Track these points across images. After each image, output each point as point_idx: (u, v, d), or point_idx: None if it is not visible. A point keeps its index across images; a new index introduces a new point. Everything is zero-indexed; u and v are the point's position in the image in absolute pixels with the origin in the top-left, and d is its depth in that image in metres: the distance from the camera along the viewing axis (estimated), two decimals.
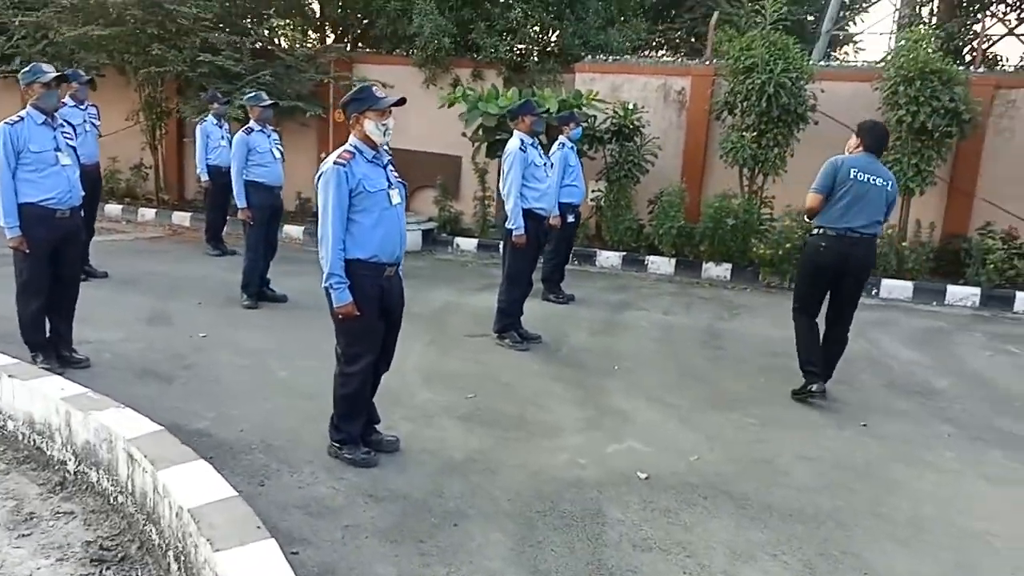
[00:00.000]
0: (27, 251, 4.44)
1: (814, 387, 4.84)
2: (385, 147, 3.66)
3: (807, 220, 5.14)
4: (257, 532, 2.42)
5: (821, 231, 4.82)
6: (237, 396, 4.49)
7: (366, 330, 3.61)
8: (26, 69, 4.54)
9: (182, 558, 2.56)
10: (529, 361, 5.51)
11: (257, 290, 6.57)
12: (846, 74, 9.96)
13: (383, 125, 3.54)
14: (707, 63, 10.39)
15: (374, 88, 3.65)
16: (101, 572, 2.77)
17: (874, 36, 19.70)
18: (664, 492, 3.61)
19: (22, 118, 4.43)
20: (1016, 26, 12.33)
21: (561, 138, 7.10)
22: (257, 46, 11.45)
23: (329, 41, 12.36)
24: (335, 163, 3.46)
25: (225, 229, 9.20)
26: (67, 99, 7.00)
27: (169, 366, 4.92)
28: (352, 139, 3.59)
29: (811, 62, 9.53)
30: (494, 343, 5.83)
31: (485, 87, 10.72)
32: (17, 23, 10.50)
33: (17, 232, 4.40)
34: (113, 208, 11.30)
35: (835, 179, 4.70)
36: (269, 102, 6.53)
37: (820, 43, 13.39)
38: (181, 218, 11.08)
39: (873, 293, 8.57)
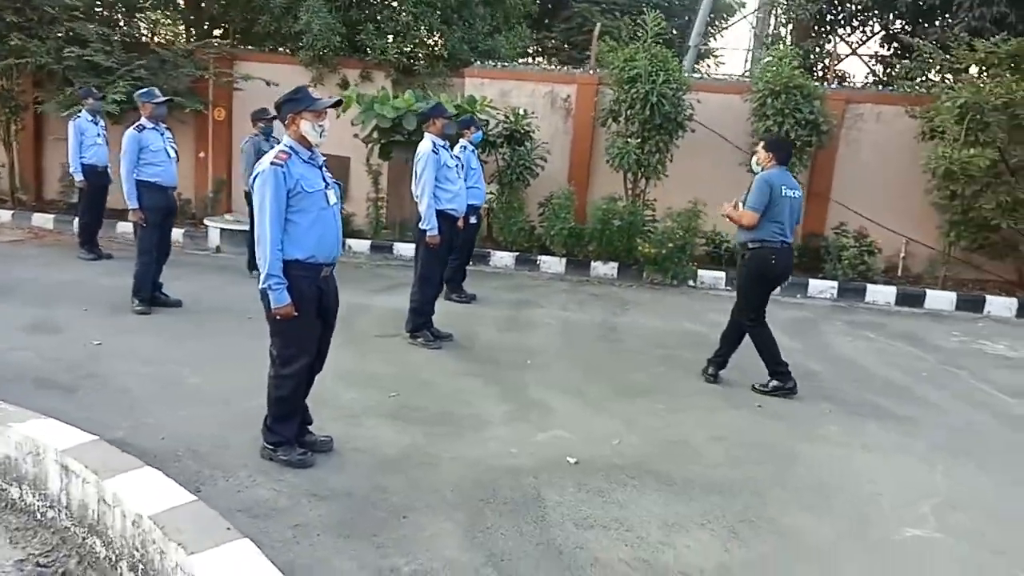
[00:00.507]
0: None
1: (790, 384, 5.23)
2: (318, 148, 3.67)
3: (741, 237, 5.34)
4: (228, 533, 2.40)
5: (764, 244, 5.15)
6: (149, 404, 4.31)
7: (303, 331, 3.60)
8: (143, 91, 4.24)
9: (140, 567, 2.49)
10: (444, 359, 5.60)
11: (150, 295, 6.28)
12: (718, 86, 10.70)
13: (319, 126, 3.55)
14: (591, 72, 10.85)
15: (310, 89, 3.65)
16: None
17: (732, 51, 21.22)
18: (594, 474, 3.83)
19: (143, 127, 4.15)
20: (859, 47, 13.66)
21: (463, 141, 7.22)
22: (130, 39, 10.83)
23: (211, 37, 11.87)
24: (272, 163, 3.44)
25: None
26: None
27: (68, 376, 4.64)
28: (287, 139, 3.57)
29: (685, 74, 10.17)
30: (407, 343, 5.88)
31: (373, 89, 10.70)
32: None
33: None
34: None
35: (771, 197, 5.07)
36: (163, 99, 6.23)
37: (689, 56, 14.23)
38: (43, 220, 10.32)
39: (689, 284, 9.25)
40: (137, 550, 2.50)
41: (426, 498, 3.47)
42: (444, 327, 6.12)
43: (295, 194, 3.46)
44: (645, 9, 17.98)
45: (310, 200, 3.50)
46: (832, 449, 4.41)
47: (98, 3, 10.89)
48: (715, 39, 19.65)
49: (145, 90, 6.22)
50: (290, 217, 3.47)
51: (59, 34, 9.85)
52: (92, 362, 4.94)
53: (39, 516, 2.98)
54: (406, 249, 9.91)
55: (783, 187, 5.12)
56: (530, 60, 17.72)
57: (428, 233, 5.66)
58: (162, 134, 6.23)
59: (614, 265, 9.46)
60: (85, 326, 5.74)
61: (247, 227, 9.10)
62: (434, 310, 6.02)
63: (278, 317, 3.51)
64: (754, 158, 5.40)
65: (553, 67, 13.14)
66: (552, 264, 9.61)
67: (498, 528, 3.26)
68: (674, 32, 19.82)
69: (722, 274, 9.32)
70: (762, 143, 5.42)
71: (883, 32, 12.87)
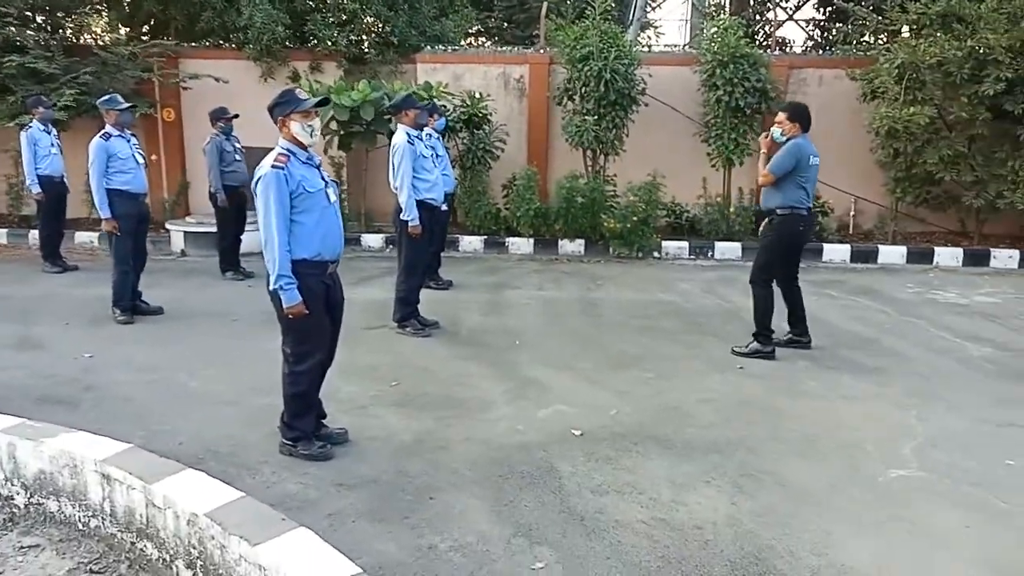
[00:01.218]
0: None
1: (769, 348, 5.52)
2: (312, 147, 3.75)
3: (770, 203, 5.46)
4: (284, 524, 2.53)
5: (793, 211, 5.33)
6: (157, 412, 4.36)
7: (315, 328, 3.70)
8: (105, 98, 4.18)
9: (199, 563, 2.60)
10: (435, 346, 5.74)
11: (131, 304, 6.24)
12: (666, 59, 10.94)
13: (309, 126, 3.63)
14: (542, 51, 10.98)
15: (297, 91, 3.72)
16: None
17: (669, 22, 21.55)
18: (600, 444, 4.04)
19: (110, 135, 4.05)
20: (794, 12, 14.06)
21: (427, 129, 7.29)
22: (70, 43, 10.55)
23: (148, 36, 11.60)
24: (273, 166, 3.51)
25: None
26: None
27: (68, 390, 4.64)
28: (281, 142, 3.64)
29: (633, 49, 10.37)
30: (395, 333, 6.00)
31: (325, 80, 10.65)
32: None
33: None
34: None
35: (797, 164, 5.19)
36: (126, 105, 6.16)
37: (632, 29, 14.46)
38: None
39: (708, 255, 9.59)
40: (194, 548, 2.60)
41: (448, 478, 3.63)
42: (427, 314, 6.24)
43: (298, 195, 3.54)
44: None
45: (312, 200, 3.59)
46: (814, 402, 4.70)
47: (30, 6, 10.53)
48: (653, 10, 19.89)
49: (107, 97, 6.14)
50: (294, 218, 3.56)
51: None
52: (88, 375, 4.95)
53: (81, 526, 3.05)
54: (373, 240, 9.99)
55: (810, 155, 5.26)
56: (474, 41, 17.75)
57: (410, 223, 5.76)
58: (128, 141, 6.16)
59: (581, 242, 9.68)
60: (71, 340, 5.70)
61: (212, 229, 9.07)
62: (419, 299, 6.13)
63: (290, 316, 3.60)
64: (777, 129, 5.37)
65: (500, 48, 13.19)
66: (520, 245, 9.79)
67: (520, 501, 3.44)
68: (612, 5, 20.18)
69: (685, 244, 9.63)
70: (784, 113, 5.39)
71: None
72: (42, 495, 3.13)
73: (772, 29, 12.85)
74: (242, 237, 8.12)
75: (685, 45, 16.73)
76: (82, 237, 10.01)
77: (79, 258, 8.92)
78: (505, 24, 18.10)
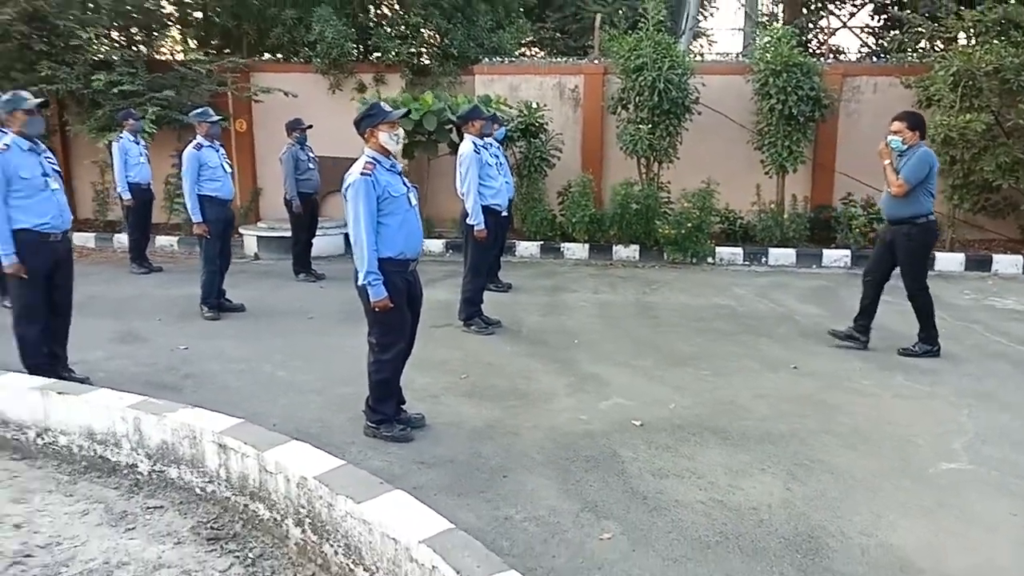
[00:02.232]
0: (24, 276, 4.51)
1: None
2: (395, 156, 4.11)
3: (904, 212, 5.55)
4: (383, 487, 2.86)
5: (927, 218, 5.50)
6: (251, 397, 4.77)
7: (398, 320, 4.06)
8: (5, 98, 4.58)
9: (307, 520, 2.95)
10: (499, 343, 6.06)
11: (217, 302, 6.72)
12: (719, 68, 11.13)
13: (395, 135, 3.99)
14: (596, 62, 11.27)
15: (382, 103, 4.09)
16: (221, 547, 3.10)
17: (720, 31, 21.65)
18: (659, 433, 4.30)
19: (8, 146, 4.49)
20: (849, 19, 14.08)
21: (488, 139, 7.64)
22: (152, 59, 11.24)
23: (224, 51, 12.26)
24: (362, 174, 3.87)
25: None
26: None
27: (170, 377, 5.10)
28: (368, 151, 4.00)
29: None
30: (460, 331, 6.34)
31: (388, 91, 11.13)
32: None
33: (13, 259, 4.47)
34: None
35: (930, 172, 5.40)
36: (217, 118, 6.67)
37: (685, 39, 14.64)
38: (84, 239, 10.73)
39: (762, 261, 9.72)
40: (303, 507, 2.96)
41: (518, 460, 3.94)
42: (490, 314, 6.57)
43: (384, 199, 3.90)
44: None
45: (396, 204, 3.94)
46: (866, 399, 4.88)
47: (115, 25, 11.24)
48: (705, 19, 20.00)
49: (200, 110, 6.65)
50: (381, 220, 3.91)
51: (86, 59, 10.23)
52: (186, 364, 5.41)
53: (198, 491, 3.44)
54: (434, 245, 10.38)
55: (936, 164, 5.46)
56: (527, 52, 18.12)
57: (476, 228, 6.10)
58: (217, 151, 6.67)
59: (635, 248, 9.91)
60: (166, 334, 6.20)
61: (283, 233, 9.60)
62: (483, 299, 6.47)
63: (376, 309, 3.95)
64: (896, 138, 5.47)
65: (554, 58, 13.52)
66: (575, 250, 10.07)
67: (586, 481, 3.73)
68: (665, 14, 20.35)
69: (739, 250, 9.78)
70: (903, 122, 5.46)
71: (871, 4, 13.27)
72: (164, 463, 3.54)
73: (826, 37, 12.90)
74: (313, 241, 8.59)
75: (739, 54, 16.82)
76: (162, 241, 10.65)
77: (161, 260, 9.51)
78: (558, 34, 18.43)
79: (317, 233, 8.50)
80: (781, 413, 4.63)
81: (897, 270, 5.76)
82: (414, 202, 4.08)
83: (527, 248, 10.17)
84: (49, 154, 4.74)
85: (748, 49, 16.73)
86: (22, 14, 9.51)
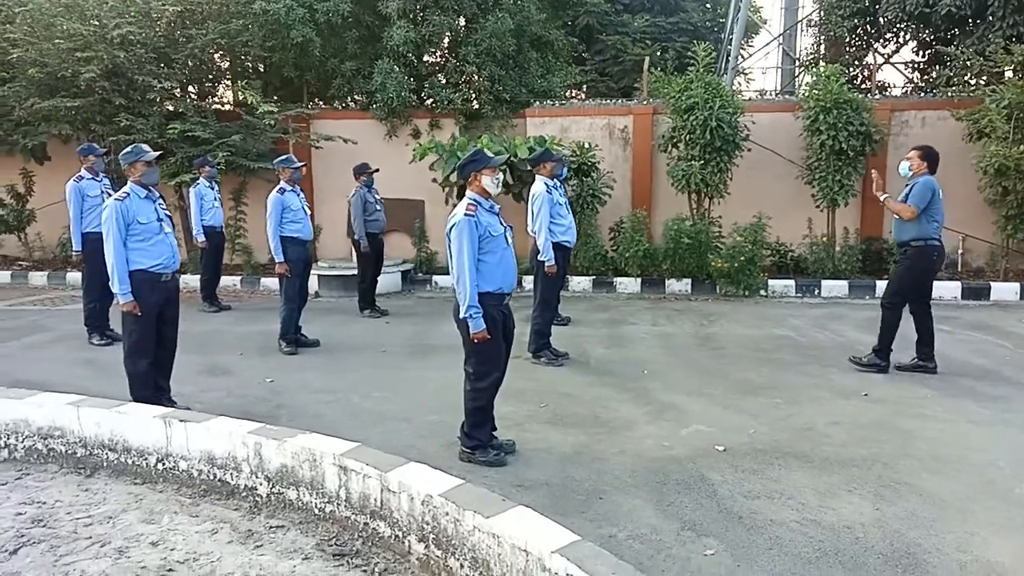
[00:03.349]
0: (139, 314, 4.84)
1: (885, 363, 6.12)
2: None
3: (904, 236, 6.03)
4: (506, 503, 3.05)
5: (927, 242, 5.92)
6: (344, 426, 5.00)
7: (494, 350, 4.28)
8: (127, 150, 4.98)
9: (431, 536, 3.15)
10: (571, 374, 6.26)
11: (294, 337, 7.02)
12: (768, 106, 11.39)
13: (496, 179, 4.27)
14: (645, 102, 11.58)
15: (485, 151, 4.37)
16: (348, 562, 3.31)
17: (758, 69, 21.94)
18: (743, 458, 4.44)
19: (128, 194, 4.86)
20: (891, 55, 14.27)
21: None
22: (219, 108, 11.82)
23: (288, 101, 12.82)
24: (465, 214, 4.14)
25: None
26: (83, 171, 7.31)
27: (263, 408, 5.37)
28: (470, 194, 4.28)
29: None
30: (530, 362, 6.54)
31: (442, 135, 11.56)
32: None
33: (129, 297, 4.81)
34: (74, 276, 11.27)
35: (932, 199, 5.82)
36: (299, 164, 7.06)
37: (728, 77, 14.95)
38: None
39: (815, 293, 9.82)
40: (427, 524, 3.16)
41: (611, 483, 4.11)
42: (556, 347, 6.77)
43: (484, 238, 4.16)
44: (674, 36, 18.85)
45: (495, 242, 4.20)
46: (941, 425, 4.97)
47: (187, 78, 11.84)
48: (744, 60, 20.34)
49: (284, 157, 7.05)
50: (481, 257, 4.17)
51: (160, 111, 10.81)
52: (276, 396, 5.68)
53: (316, 511, 3.66)
54: None
55: (939, 192, 5.89)
56: (569, 94, 18.58)
57: (546, 263, 6.35)
58: (298, 195, 7.04)
59: (687, 281, 10.08)
60: (250, 367, 6.50)
61: (343, 272, 9.95)
62: (552, 331, 6.68)
63: (475, 340, 4.18)
64: (906, 164, 6.07)
65: (597, 100, 13.86)
66: (628, 284, 10.27)
67: (681, 503, 3.88)
68: (714, 57, 20.76)
69: (791, 282, 9.89)
70: (917, 152, 6.05)
71: (915, 41, 13.45)
72: (283, 485, 3.77)
73: (871, 72, 13.10)
74: (378, 279, 8.92)
75: (778, 92, 17.08)
76: (225, 280, 11.05)
77: (225, 299, 9.89)
78: (599, 77, 18.87)
79: (383, 271, 8.81)
80: (859, 438, 4.74)
81: (935, 292, 6.16)
82: (510, 240, 4.34)
83: (579, 283, 10.39)
84: (162, 201, 5.10)
85: (789, 86, 17.02)
86: (104, 70, 10.11)
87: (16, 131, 11.15)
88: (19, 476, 4.24)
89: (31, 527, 3.63)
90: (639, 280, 10.26)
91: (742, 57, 19.88)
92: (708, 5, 20.47)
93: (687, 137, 9.98)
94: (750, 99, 12.85)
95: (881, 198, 6.28)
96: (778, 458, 4.43)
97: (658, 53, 17.89)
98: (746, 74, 21.04)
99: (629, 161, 11.50)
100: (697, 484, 4.09)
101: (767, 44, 19.69)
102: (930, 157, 5.97)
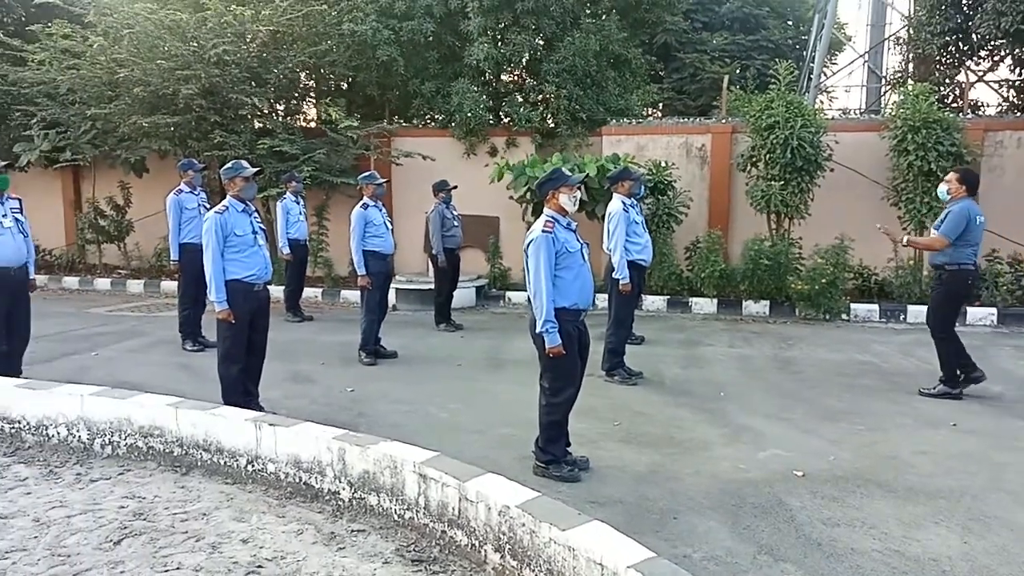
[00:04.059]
0: (232, 321, 5.10)
1: (958, 390, 6.03)
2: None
3: (937, 260, 6.06)
4: (581, 517, 3.09)
5: (961, 267, 5.91)
6: (420, 435, 5.11)
7: (570, 366, 4.33)
8: (228, 165, 5.28)
9: (507, 546, 3.21)
10: (645, 393, 6.24)
11: (374, 348, 7.23)
12: (851, 126, 11.13)
13: (573, 197, 4.34)
14: (724, 121, 11.48)
15: (563, 169, 4.46)
16: (426, 568, 3.40)
17: (841, 87, 21.47)
18: (823, 484, 4.35)
19: (227, 207, 5.15)
20: (984, 74, 13.72)
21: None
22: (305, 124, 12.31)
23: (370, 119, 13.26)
24: (543, 231, 4.22)
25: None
26: (182, 185, 7.73)
27: (345, 416, 5.55)
28: (548, 211, 4.36)
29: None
30: (603, 380, 6.55)
31: (518, 153, 11.72)
32: (90, 114, 11.21)
33: (225, 306, 5.07)
34: (169, 285, 11.86)
35: (967, 225, 5.80)
36: (381, 180, 7.31)
37: (810, 95, 14.67)
38: None
39: (900, 318, 9.49)
40: (504, 534, 3.22)
41: (685, 503, 4.09)
42: (629, 365, 6.76)
43: (561, 254, 4.23)
44: (754, 54, 18.61)
45: (572, 259, 4.27)
46: None
47: (274, 95, 12.38)
48: (827, 78, 19.90)
49: (368, 173, 7.31)
50: (557, 273, 4.24)
51: (251, 127, 11.34)
52: (356, 404, 5.87)
53: (396, 518, 3.78)
54: None
55: (979, 217, 5.89)
56: (646, 112, 18.56)
57: (621, 282, 6.37)
58: (380, 210, 7.27)
59: (765, 303, 9.90)
60: (332, 376, 6.73)
61: (420, 286, 10.17)
62: (625, 350, 6.68)
63: (551, 355, 4.24)
64: (944, 187, 6.06)
65: (673, 118, 13.81)
66: (703, 305, 10.14)
67: (757, 526, 3.83)
68: (797, 75, 20.40)
69: (875, 307, 9.59)
70: (955, 175, 6.04)
71: (1012, 59, 12.92)
72: (364, 491, 3.91)
73: (963, 91, 12.64)
74: (454, 293, 9.09)
75: (863, 111, 16.64)
76: (307, 292, 11.43)
77: (308, 310, 10.23)
78: (676, 95, 18.79)
79: (459, 285, 8.99)
80: (947, 469, 4.58)
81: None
82: (587, 257, 4.39)
83: (653, 302, 10.33)
84: (257, 215, 5.37)
85: (874, 105, 16.57)
86: (202, 89, 10.68)
87: (119, 146, 11.85)
88: (121, 472, 4.51)
89: (132, 520, 3.86)
90: (715, 301, 10.13)
91: (825, 75, 19.48)
92: (790, 22, 20.17)
93: (767, 156, 9.85)
94: (833, 118, 12.56)
95: (904, 241, 6.46)
96: (860, 486, 4.32)
97: (737, 71, 17.72)
98: (829, 92, 20.58)
99: (706, 180, 11.39)
100: (774, 508, 4.03)
101: (852, 62, 19.25)
102: (968, 180, 5.95)
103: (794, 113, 9.74)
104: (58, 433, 4.85)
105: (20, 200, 6.12)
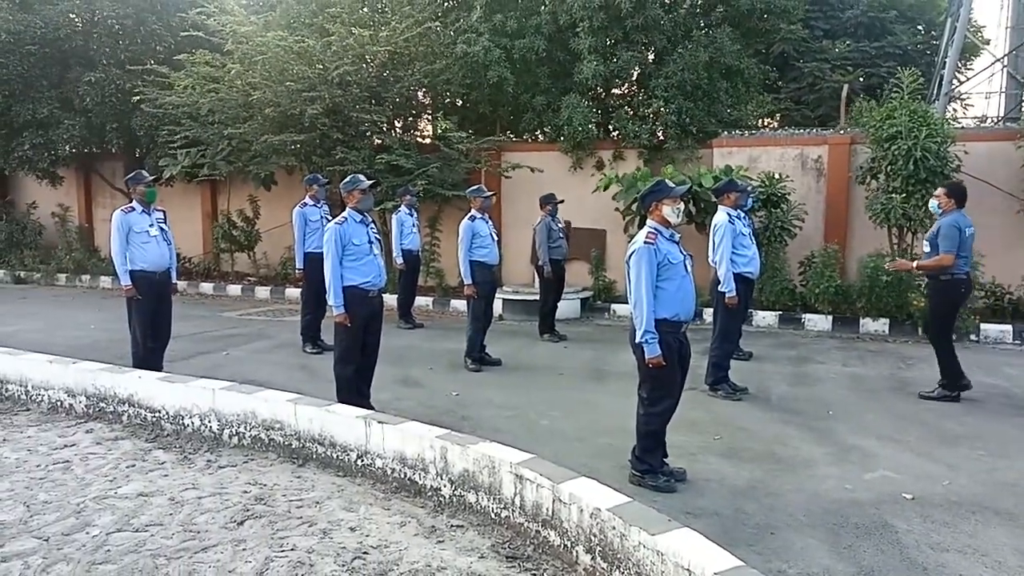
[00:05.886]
0: (348, 325, 5.44)
1: (955, 392, 6.32)
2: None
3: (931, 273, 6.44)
4: (672, 523, 3.13)
5: (954, 276, 6.24)
6: (521, 440, 5.24)
7: (668, 377, 4.37)
8: (347, 179, 5.66)
9: (598, 548, 3.29)
10: (750, 409, 6.14)
11: (479, 355, 7.46)
12: (983, 135, 10.49)
13: (677, 209, 4.38)
14: (842, 131, 11.08)
15: (666, 181, 4.51)
16: (520, 565, 3.53)
17: (975, 95, 20.10)
18: (934, 509, 4.17)
19: (346, 219, 5.50)
20: None
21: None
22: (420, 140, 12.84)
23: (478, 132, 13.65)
24: (645, 242, 4.29)
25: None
26: (307, 199, 8.26)
27: (449, 419, 5.78)
28: (651, 223, 4.42)
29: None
30: (707, 395, 6.49)
31: (625, 166, 11.74)
32: (226, 133, 12.14)
33: (342, 310, 5.42)
34: (292, 291, 12.61)
35: (960, 239, 6.12)
36: (488, 193, 7.57)
37: (940, 103, 13.90)
38: None
39: (971, 338, 8.87)
40: (595, 536, 3.31)
41: (784, 519, 4.03)
42: (734, 380, 6.65)
43: (663, 266, 4.28)
44: (879, 61, 17.78)
45: (674, 270, 4.31)
46: None
47: (392, 113, 12.96)
48: (961, 84, 18.74)
49: (477, 187, 7.59)
50: (659, 284, 4.29)
51: (370, 144, 11.94)
52: (460, 408, 6.10)
53: (493, 515, 3.93)
54: None
55: (968, 229, 6.19)
56: (761, 123, 18.09)
57: (727, 294, 6.30)
58: (487, 222, 7.52)
59: (884, 321, 9.46)
60: (439, 380, 7.01)
61: (526, 297, 10.36)
62: (730, 364, 6.59)
63: (650, 366, 4.29)
64: (935, 202, 6.42)
65: (791, 129, 13.40)
66: (817, 322, 9.80)
67: (859, 547, 3.73)
68: (922, 82, 19.36)
69: (1008, 327, 8.99)
70: (943, 189, 6.43)
71: None
72: (464, 489, 4.08)
73: None
74: (559, 304, 9.22)
75: (999, 118, 15.61)
76: (419, 301, 11.86)
77: (419, 317, 10.63)
78: (794, 105, 18.22)
79: (564, 296, 9.11)
80: None
81: None
82: (689, 269, 4.42)
83: (764, 318, 10.08)
84: (374, 226, 5.70)
85: (1014, 112, 15.49)
86: (326, 108, 11.36)
87: (251, 162, 12.74)
88: (246, 460, 4.90)
89: (254, 504, 4.20)
90: (830, 318, 9.77)
91: (958, 81, 18.38)
92: (920, 27, 19.15)
93: (888, 168, 9.43)
94: (963, 127, 11.85)
95: (914, 266, 6.77)
96: (975, 512, 4.12)
97: (861, 79, 17.00)
98: (963, 100, 19.38)
99: (822, 193, 11.01)
100: (879, 530, 3.91)
101: (989, 66, 18.04)
102: (956, 193, 6.29)
103: (918, 122, 9.29)
104: (192, 423, 5.31)
105: (165, 211, 6.77)
